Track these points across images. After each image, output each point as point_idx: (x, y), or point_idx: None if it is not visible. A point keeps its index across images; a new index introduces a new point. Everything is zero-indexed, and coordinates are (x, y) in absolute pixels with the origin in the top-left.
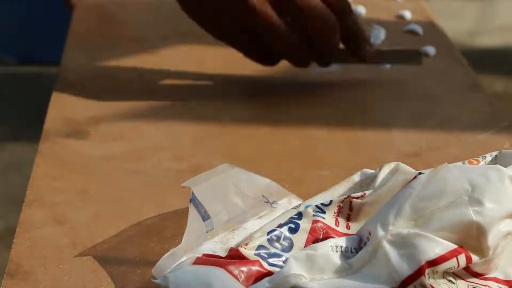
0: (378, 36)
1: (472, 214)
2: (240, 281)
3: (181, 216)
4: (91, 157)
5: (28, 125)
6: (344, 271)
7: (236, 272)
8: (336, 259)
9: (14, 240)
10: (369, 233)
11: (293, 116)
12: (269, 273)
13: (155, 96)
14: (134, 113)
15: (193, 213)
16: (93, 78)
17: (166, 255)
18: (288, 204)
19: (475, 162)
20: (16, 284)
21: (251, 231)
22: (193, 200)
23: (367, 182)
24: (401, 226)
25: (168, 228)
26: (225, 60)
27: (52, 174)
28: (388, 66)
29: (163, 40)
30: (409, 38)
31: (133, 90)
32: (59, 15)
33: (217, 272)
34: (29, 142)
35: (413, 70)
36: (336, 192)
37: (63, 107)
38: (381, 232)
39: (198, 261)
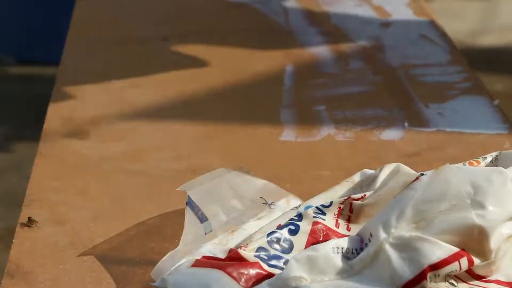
0: None
1: (474, 217)
2: (240, 283)
3: (181, 216)
4: (91, 157)
5: (28, 125)
6: (345, 273)
7: (235, 274)
8: (337, 260)
9: (13, 240)
10: (371, 235)
11: (293, 116)
12: (269, 275)
13: (155, 97)
14: (134, 113)
15: (189, 216)
16: (93, 78)
17: (164, 257)
18: (286, 204)
19: (475, 163)
20: (16, 284)
21: (251, 232)
22: (189, 203)
23: (368, 182)
24: (403, 229)
25: (168, 228)
26: (225, 60)
27: (52, 174)
28: None
29: (163, 40)
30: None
31: (133, 90)
32: (59, 15)
33: (216, 275)
34: (29, 142)
35: (412, 71)
36: (337, 193)
37: (63, 107)
38: (383, 235)
39: (197, 264)
